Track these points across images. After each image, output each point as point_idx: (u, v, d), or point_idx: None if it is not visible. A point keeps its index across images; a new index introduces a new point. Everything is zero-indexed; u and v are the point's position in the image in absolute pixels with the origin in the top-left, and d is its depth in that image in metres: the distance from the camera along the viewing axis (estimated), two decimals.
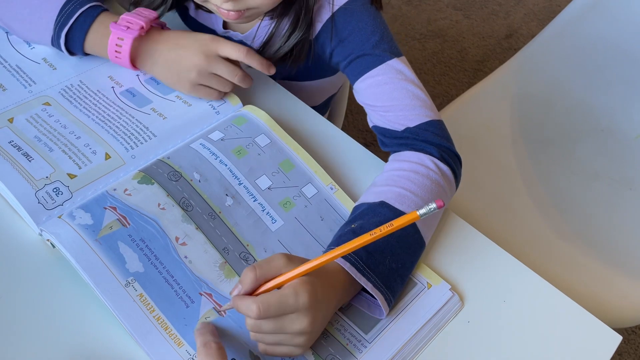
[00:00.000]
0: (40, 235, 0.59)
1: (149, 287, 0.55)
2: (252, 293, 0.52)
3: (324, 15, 0.72)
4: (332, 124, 0.77)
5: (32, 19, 0.71)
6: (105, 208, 0.59)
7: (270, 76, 0.78)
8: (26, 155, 0.63)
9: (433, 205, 0.49)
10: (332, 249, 0.52)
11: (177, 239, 0.59)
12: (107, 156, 0.65)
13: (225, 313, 0.55)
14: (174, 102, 0.72)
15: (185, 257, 0.58)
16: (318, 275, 0.53)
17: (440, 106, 1.70)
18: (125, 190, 0.61)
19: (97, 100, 0.71)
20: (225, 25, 0.79)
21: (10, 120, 0.66)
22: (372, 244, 0.57)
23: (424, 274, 0.62)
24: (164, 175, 0.63)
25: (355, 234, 0.57)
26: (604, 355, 0.60)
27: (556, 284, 0.65)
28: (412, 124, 0.68)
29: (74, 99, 0.70)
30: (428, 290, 0.61)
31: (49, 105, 0.69)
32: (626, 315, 0.94)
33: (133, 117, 0.69)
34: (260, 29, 0.76)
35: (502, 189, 1.09)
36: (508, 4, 2.18)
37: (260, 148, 0.68)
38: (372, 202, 0.62)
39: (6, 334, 0.53)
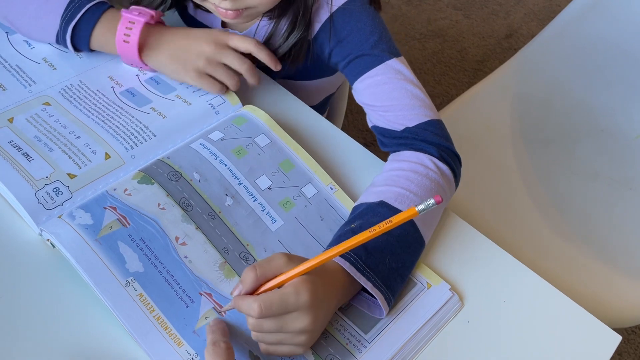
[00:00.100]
0: (40, 235, 0.59)
1: (148, 287, 0.55)
2: (252, 293, 0.52)
3: (323, 16, 0.72)
4: (332, 123, 0.77)
5: (38, 15, 0.71)
6: (105, 208, 0.59)
7: (269, 75, 0.78)
8: (26, 155, 0.63)
9: (431, 201, 0.49)
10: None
11: (177, 238, 0.59)
12: (107, 156, 0.65)
13: (225, 313, 0.55)
14: (174, 101, 0.72)
15: (185, 257, 0.58)
16: (318, 275, 0.53)
17: (440, 106, 1.70)
18: (125, 190, 0.61)
19: (97, 100, 0.71)
20: (223, 25, 0.79)
21: (10, 120, 0.66)
22: (371, 243, 0.58)
23: (423, 274, 0.62)
24: (163, 175, 0.63)
25: (355, 233, 0.57)
26: (603, 355, 0.60)
27: (556, 284, 0.65)
28: (411, 124, 0.68)
29: (74, 98, 0.70)
30: (428, 290, 0.61)
31: (49, 105, 0.69)
32: (626, 315, 0.94)
33: (133, 117, 0.69)
34: (259, 29, 0.76)
35: (502, 189, 1.09)
36: (508, 3, 2.18)
37: (260, 148, 0.68)
38: (371, 202, 0.62)
39: (6, 334, 0.53)
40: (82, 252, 0.55)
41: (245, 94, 0.76)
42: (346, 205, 0.67)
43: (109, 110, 0.70)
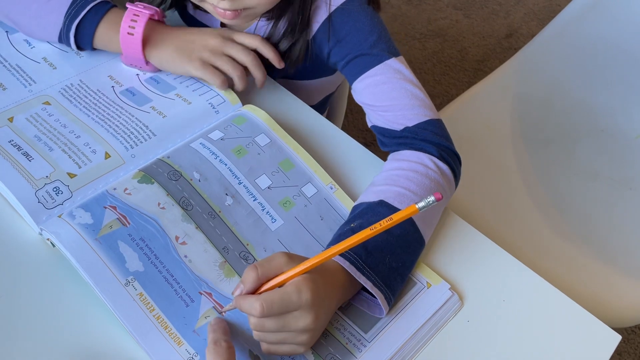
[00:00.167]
0: (40, 234, 0.59)
1: (148, 287, 0.55)
2: (254, 292, 0.52)
3: (321, 16, 0.72)
4: (332, 123, 0.77)
5: (41, 13, 0.71)
6: (105, 207, 0.59)
7: (269, 75, 0.78)
8: (26, 154, 0.63)
9: (431, 198, 0.49)
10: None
11: (177, 238, 0.59)
12: (107, 155, 0.65)
13: (225, 313, 0.55)
14: (174, 100, 0.72)
15: (185, 256, 0.58)
16: (319, 274, 0.53)
17: (440, 106, 1.70)
18: (125, 189, 0.61)
19: (97, 100, 0.71)
20: (222, 25, 0.79)
21: (10, 120, 0.66)
22: (371, 243, 0.58)
23: (423, 274, 0.63)
24: (163, 174, 0.63)
25: (355, 233, 0.57)
26: (603, 355, 0.60)
27: (556, 284, 0.65)
28: (410, 124, 0.68)
29: (74, 98, 0.70)
30: (428, 290, 0.61)
31: (49, 104, 0.69)
32: (626, 315, 0.94)
33: (133, 116, 0.69)
34: (257, 30, 0.76)
35: (502, 189, 1.09)
36: (508, 3, 2.18)
37: (260, 147, 0.68)
38: (371, 201, 0.62)
39: (6, 334, 0.53)
40: (82, 251, 0.55)
41: (245, 93, 0.76)
42: (346, 205, 0.67)
43: (109, 109, 0.70)
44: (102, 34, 0.72)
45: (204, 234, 0.60)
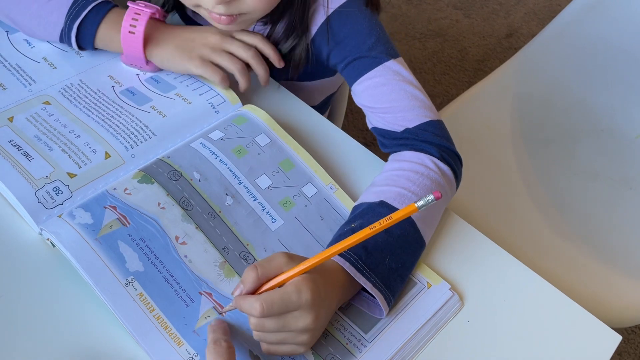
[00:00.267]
0: (40, 234, 0.59)
1: (148, 287, 0.55)
2: (254, 292, 0.52)
3: (319, 19, 0.72)
4: (332, 123, 0.77)
5: (41, 13, 0.71)
6: (105, 207, 0.59)
7: (271, 77, 0.78)
8: (26, 154, 0.63)
9: (430, 197, 0.49)
10: None
11: (177, 238, 0.59)
12: (107, 155, 0.65)
13: (225, 314, 0.55)
14: (174, 100, 0.72)
15: (185, 256, 0.58)
16: (319, 273, 0.53)
17: (440, 106, 1.70)
18: (125, 189, 0.61)
19: (97, 100, 0.71)
20: None
21: (10, 119, 0.66)
22: (371, 243, 0.58)
23: (423, 274, 0.62)
24: (164, 174, 0.63)
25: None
26: (603, 355, 0.60)
27: (556, 284, 0.65)
28: (411, 125, 0.68)
29: (74, 98, 0.70)
30: (428, 290, 0.61)
31: (49, 104, 0.69)
32: (626, 315, 0.94)
33: (133, 116, 0.69)
34: None
35: (502, 189, 1.09)
36: (508, 3, 2.18)
37: (260, 147, 0.68)
38: (371, 201, 0.62)
39: (6, 333, 0.53)
40: (82, 251, 0.55)
41: (245, 93, 0.76)
42: (346, 205, 0.67)
43: (109, 109, 0.70)
44: (104, 34, 0.72)
45: (204, 234, 0.60)
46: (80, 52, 0.75)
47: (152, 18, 0.71)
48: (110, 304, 0.54)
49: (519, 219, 1.05)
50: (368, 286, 0.56)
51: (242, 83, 0.73)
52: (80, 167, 0.63)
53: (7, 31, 0.76)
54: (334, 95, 1.01)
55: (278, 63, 0.74)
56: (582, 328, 0.62)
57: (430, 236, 0.64)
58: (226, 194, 0.64)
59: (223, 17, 0.67)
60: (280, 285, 0.52)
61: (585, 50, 1.24)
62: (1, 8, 0.73)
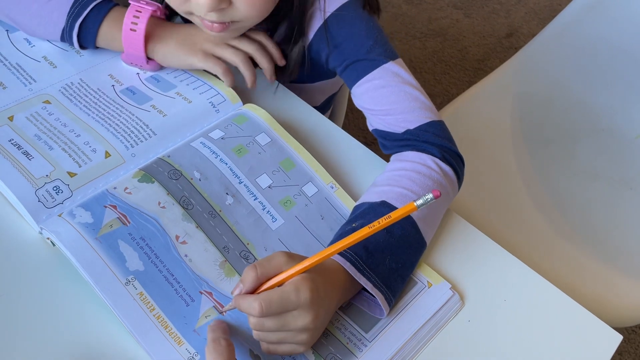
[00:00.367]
0: (41, 233, 0.58)
1: (149, 286, 0.55)
2: (253, 292, 0.52)
3: (316, 23, 0.72)
4: (332, 122, 0.77)
5: (42, 13, 0.71)
6: (106, 206, 0.59)
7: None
8: (26, 153, 0.63)
9: (430, 196, 0.49)
10: None
11: (177, 237, 0.59)
12: (107, 154, 0.65)
13: (225, 313, 0.55)
14: (174, 99, 0.72)
15: (186, 255, 0.58)
16: (319, 273, 0.53)
17: (440, 105, 1.70)
18: (126, 188, 0.61)
19: (97, 99, 0.71)
20: None
21: (11, 119, 0.66)
22: (372, 243, 0.58)
23: (424, 273, 0.62)
24: (164, 173, 0.63)
25: None
26: (604, 355, 0.60)
27: (556, 283, 0.64)
28: (412, 126, 0.68)
29: (74, 97, 0.70)
30: (428, 290, 0.61)
31: (49, 103, 0.69)
32: (626, 314, 0.94)
33: (133, 115, 0.69)
34: None
35: (502, 189, 1.09)
36: (509, 2, 2.18)
37: (260, 147, 0.68)
38: (373, 201, 0.62)
39: (6, 333, 0.53)
40: (82, 250, 0.55)
41: (245, 92, 0.76)
42: (347, 205, 0.67)
43: (109, 108, 0.70)
44: (105, 33, 0.72)
45: (205, 233, 0.60)
46: (80, 51, 0.75)
47: (153, 16, 0.71)
48: (111, 303, 0.54)
49: (519, 219, 1.05)
50: (369, 286, 0.56)
51: (248, 76, 0.73)
52: (80, 166, 0.63)
53: (7, 30, 0.76)
54: (336, 95, 1.01)
55: (279, 61, 0.74)
56: (582, 328, 0.62)
57: (431, 237, 0.64)
58: (226, 193, 0.63)
59: (215, 25, 0.66)
60: (279, 284, 0.52)
61: (586, 50, 1.24)
62: (1, 8, 0.73)
